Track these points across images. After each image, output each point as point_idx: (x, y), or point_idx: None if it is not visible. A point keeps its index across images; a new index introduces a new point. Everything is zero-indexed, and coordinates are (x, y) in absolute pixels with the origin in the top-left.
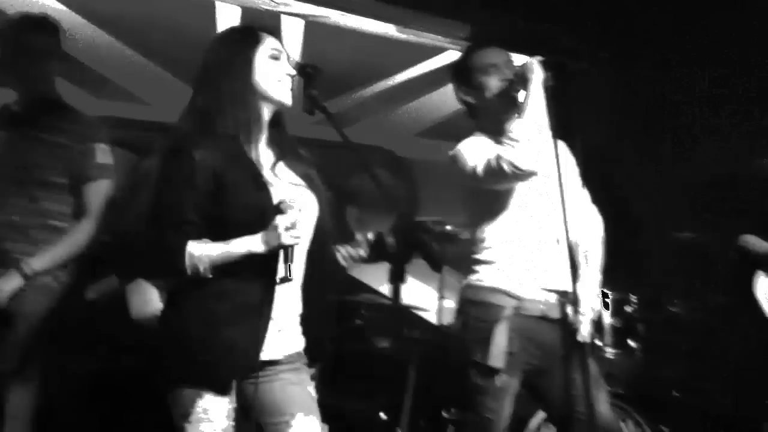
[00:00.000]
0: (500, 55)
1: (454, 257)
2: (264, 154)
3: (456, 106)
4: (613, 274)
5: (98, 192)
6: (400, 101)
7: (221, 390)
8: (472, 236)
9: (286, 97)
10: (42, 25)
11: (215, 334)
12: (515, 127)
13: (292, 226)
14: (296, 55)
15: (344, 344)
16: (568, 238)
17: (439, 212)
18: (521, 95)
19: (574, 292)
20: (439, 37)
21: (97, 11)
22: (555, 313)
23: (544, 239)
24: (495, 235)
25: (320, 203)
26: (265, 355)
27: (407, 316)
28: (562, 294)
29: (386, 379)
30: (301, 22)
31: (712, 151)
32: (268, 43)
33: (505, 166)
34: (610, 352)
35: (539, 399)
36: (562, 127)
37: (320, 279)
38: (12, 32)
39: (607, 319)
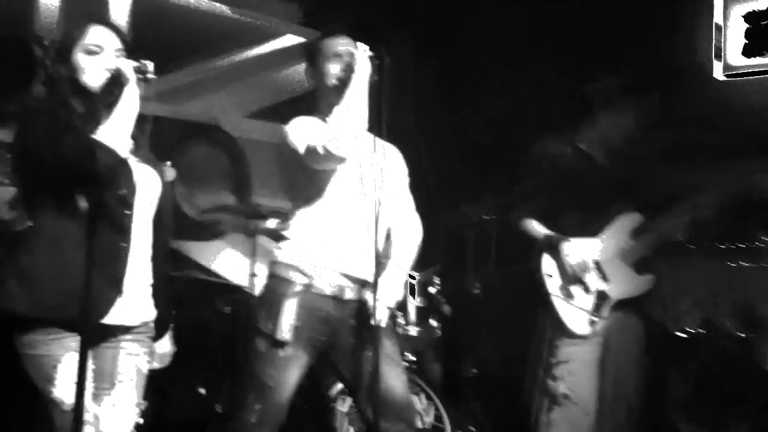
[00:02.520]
0: (346, 46)
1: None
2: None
3: (291, 90)
4: (419, 256)
5: None
6: (235, 80)
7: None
8: (285, 215)
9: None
10: None
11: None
12: (334, 112)
13: None
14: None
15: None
16: (376, 229)
17: (270, 192)
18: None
19: (375, 281)
20: (274, 19)
21: None
22: (346, 294)
23: (352, 227)
24: (301, 216)
25: (161, 180)
26: (114, 319)
27: (223, 288)
28: (358, 281)
29: (204, 353)
30: None
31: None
32: (89, 38)
33: (319, 148)
34: (413, 330)
35: (332, 372)
36: (380, 122)
37: (163, 251)
38: None
39: (412, 299)
